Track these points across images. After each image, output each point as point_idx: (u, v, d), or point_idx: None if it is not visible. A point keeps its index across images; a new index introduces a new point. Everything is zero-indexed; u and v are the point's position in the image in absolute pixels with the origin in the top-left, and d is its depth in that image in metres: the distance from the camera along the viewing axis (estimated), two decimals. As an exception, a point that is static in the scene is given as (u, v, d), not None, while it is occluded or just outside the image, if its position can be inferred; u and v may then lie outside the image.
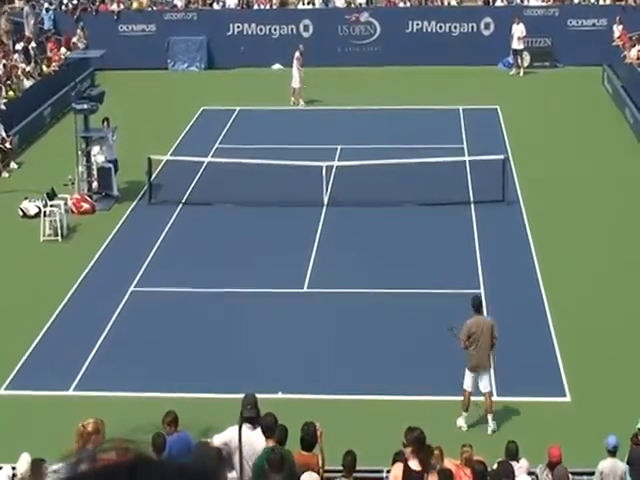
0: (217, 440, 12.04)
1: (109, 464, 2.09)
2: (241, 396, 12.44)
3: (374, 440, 14.75)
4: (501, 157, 25.86)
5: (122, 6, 40.85)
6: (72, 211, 25.33)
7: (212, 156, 28.79)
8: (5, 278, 22.03)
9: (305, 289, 21.10)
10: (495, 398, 16.20)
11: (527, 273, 21.61)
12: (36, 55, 36.39)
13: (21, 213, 25.26)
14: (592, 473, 13.35)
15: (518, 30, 38.32)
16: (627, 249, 22.76)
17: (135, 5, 41.02)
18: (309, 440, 12.01)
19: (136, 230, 24.63)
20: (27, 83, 33.90)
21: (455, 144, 29.73)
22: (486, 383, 15.93)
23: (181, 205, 25.76)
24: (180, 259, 22.60)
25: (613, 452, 13.35)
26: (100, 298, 20.80)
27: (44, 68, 35.90)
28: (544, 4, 40.14)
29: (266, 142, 30.20)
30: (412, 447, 11.20)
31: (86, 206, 25.65)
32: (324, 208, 25.28)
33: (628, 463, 13.42)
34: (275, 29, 40.25)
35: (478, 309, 16.12)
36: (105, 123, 26.69)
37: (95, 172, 26.49)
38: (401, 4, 41.24)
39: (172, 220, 24.88)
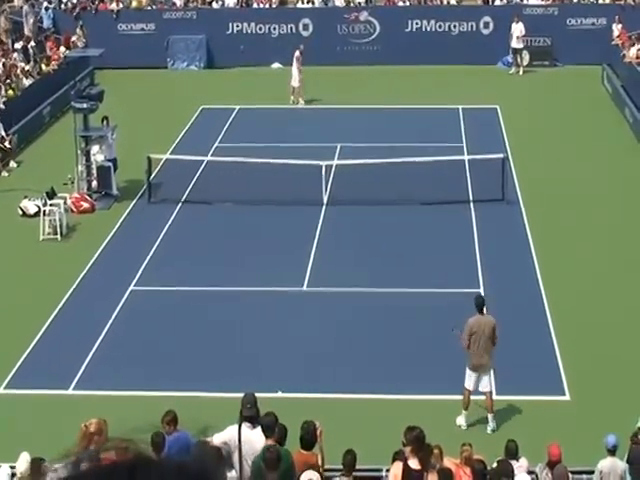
0: (217, 439, 12.04)
1: (108, 464, 2.08)
2: (241, 395, 12.44)
3: (374, 439, 14.74)
4: (501, 156, 25.87)
5: (121, 5, 40.85)
6: (71, 210, 25.32)
7: (212, 155, 28.79)
8: (4, 277, 22.02)
9: (305, 288, 21.09)
10: (495, 397, 16.18)
11: (527, 273, 21.60)
12: (35, 54, 36.37)
13: (20, 212, 25.26)
14: (592, 472, 13.35)
15: (517, 29, 38.33)
16: (627, 249, 22.75)
17: (134, 4, 41.00)
18: (309, 439, 12.00)
19: (136, 229, 24.62)
20: (26, 82, 33.89)
21: (454, 143, 29.73)
22: (486, 382, 15.93)
23: (180, 204, 25.76)
24: (180, 258, 22.59)
25: (613, 451, 13.34)
26: (100, 297, 20.79)
27: (43, 67, 35.88)
28: (543, 3, 40.14)
29: (265, 141, 30.19)
30: (412, 446, 11.20)
31: (85, 205, 25.65)
32: (324, 207, 25.28)
33: (628, 462, 13.42)
34: (274, 28, 40.25)
35: (480, 308, 16.10)
36: (104, 122, 26.68)
37: (94, 171, 26.48)
38: (400, 3, 41.24)
39: (172, 219, 24.87)
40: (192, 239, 23.77)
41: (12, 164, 29.25)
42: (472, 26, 39.78)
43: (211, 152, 29.27)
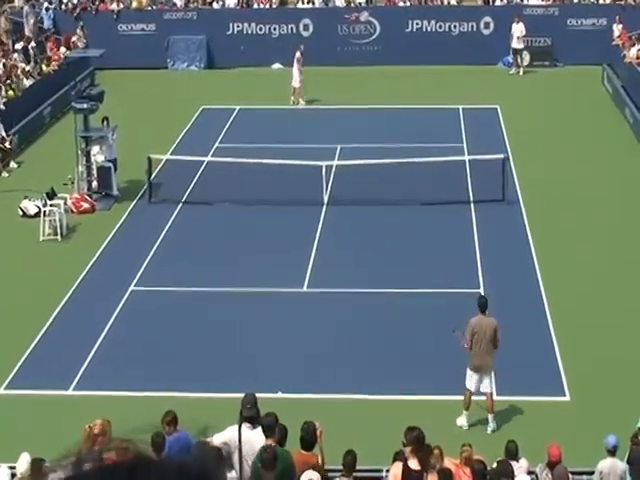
0: (217, 439, 12.04)
1: (108, 464, 2.08)
2: (241, 395, 12.45)
3: (374, 439, 14.75)
4: (501, 156, 25.86)
5: (122, 5, 40.85)
6: (72, 210, 25.33)
7: (212, 155, 28.79)
8: (5, 277, 22.03)
9: (305, 289, 21.09)
10: (495, 398, 16.18)
11: (527, 273, 21.60)
12: (36, 54, 36.37)
13: (21, 212, 25.26)
14: (592, 473, 13.34)
15: (518, 29, 38.33)
16: (627, 249, 22.75)
17: (135, 4, 41.01)
18: (309, 439, 12.01)
19: (136, 229, 24.63)
20: (27, 82, 33.90)
21: (455, 143, 29.73)
22: (487, 383, 15.93)
23: (181, 204, 25.76)
24: (180, 258, 22.59)
25: (613, 452, 13.34)
26: (100, 297, 20.79)
27: (44, 67, 35.89)
28: (544, 3, 40.14)
29: (266, 141, 30.20)
30: (411, 446, 11.21)
31: (86, 205, 25.65)
32: (324, 207, 25.28)
33: (628, 463, 13.41)
34: (275, 28, 40.25)
35: (483, 309, 16.08)
36: (105, 122, 26.68)
37: (95, 171, 26.48)
38: (401, 3, 41.24)
39: (172, 219, 24.87)
40: (192, 239, 23.77)
41: (12, 164, 29.25)
42: (472, 26, 39.79)
43: (211, 152, 29.28)
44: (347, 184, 26.04)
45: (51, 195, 24.94)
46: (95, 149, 26.51)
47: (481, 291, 20.07)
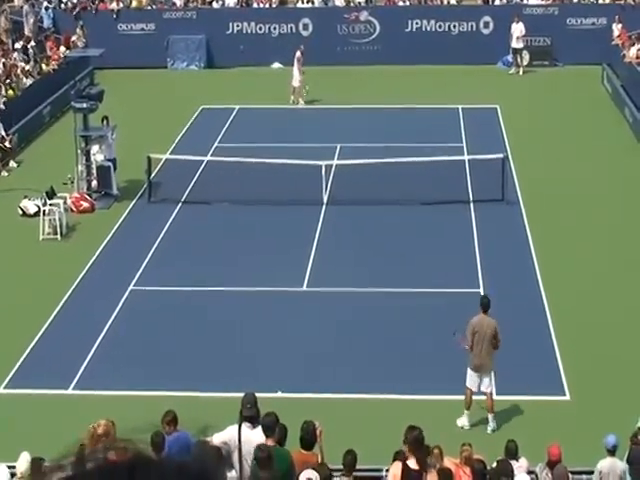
0: (217, 439, 12.03)
1: (108, 464, 2.08)
2: (240, 395, 12.44)
3: (374, 439, 14.74)
4: (500, 156, 25.86)
5: (121, 5, 40.85)
6: (71, 210, 25.32)
7: (211, 155, 28.78)
8: (4, 277, 22.02)
9: (304, 288, 21.09)
10: (495, 397, 16.18)
11: (527, 273, 21.59)
12: (35, 54, 36.37)
13: (20, 212, 25.26)
14: (591, 472, 13.34)
15: (517, 29, 38.33)
16: (627, 249, 22.75)
17: (134, 4, 41.01)
18: (309, 439, 12.00)
19: (135, 229, 24.63)
20: (26, 82, 33.89)
21: (454, 143, 29.73)
22: (487, 383, 15.93)
23: (180, 204, 25.76)
24: (179, 258, 22.59)
25: (612, 451, 13.34)
26: (99, 297, 20.79)
27: (43, 67, 35.88)
28: (543, 3, 40.14)
29: (265, 141, 30.20)
30: (410, 446, 11.21)
31: (85, 205, 25.65)
32: (323, 207, 25.28)
33: (628, 462, 13.41)
34: (274, 28, 40.25)
35: (485, 309, 16.07)
36: (104, 122, 26.68)
37: (94, 171, 26.48)
38: (400, 3, 41.24)
39: (171, 219, 24.87)
40: (192, 239, 23.77)
41: (12, 164, 29.25)
42: (472, 26, 39.79)
43: (211, 152, 29.27)
44: (347, 184, 26.04)
45: (51, 194, 24.94)
46: (95, 148, 26.51)
47: (481, 291, 20.07)
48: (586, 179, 26.96)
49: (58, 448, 2.20)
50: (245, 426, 11.81)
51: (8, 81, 32.82)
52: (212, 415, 14.68)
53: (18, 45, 36.55)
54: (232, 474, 11.86)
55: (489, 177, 25.42)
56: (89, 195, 26.08)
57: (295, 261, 22.20)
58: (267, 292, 20.84)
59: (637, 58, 34.40)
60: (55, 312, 20.22)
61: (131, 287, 21.21)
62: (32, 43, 36.89)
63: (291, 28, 40.16)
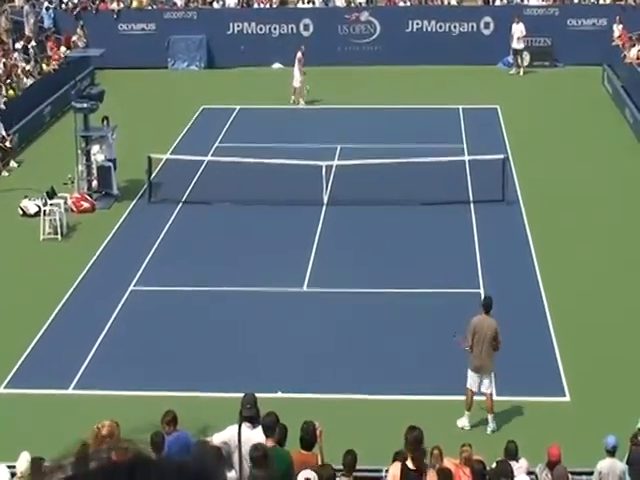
0: (217, 439, 12.03)
1: (108, 464, 2.08)
2: (241, 395, 12.44)
3: (374, 439, 14.75)
4: (501, 157, 25.86)
5: (122, 5, 40.86)
6: (72, 210, 25.33)
7: (212, 155, 28.78)
8: (5, 277, 22.03)
9: (305, 288, 21.09)
10: (495, 398, 16.18)
11: (527, 273, 21.59)
12: (36, 54, 36.37)
13: (21, 212, 25.26)
14: (591, 473, 13.34)
15: (518, 30, 38.33)
16: (627, 249, 22.75)
17: (135, 4, 41.01)
18: (308, 439, 12.00)
19: (136, 229, 24.63)
20: (27, 82, 33.90)
21: (455, 144, 29.72)
22: (488, 384, 15.92)
23: (181, 204, 25.76)
24: (180, 258, 22.59)
25: (612, 452, 13.34)
26: (100, 297, 20.79)
27: (44, 67, 35.89)
28: (544, 4, 40.14)
29: (266, 141, 30.19)
30: (408, 446, 11.22)
31: (86, 205, 25.65)
32: (324, 207, 25.28)
33: (627, 463, 13.41)
34: (275, 28, 40.25)
35: (487, 309, 16.06)
36: (105, 122, 26.69)
37: (95, 171, 26.49)
38: (401, 3, 41.24)
39: (172, 219, 24.87)
40: (192, 239, 23.77)
41: (12, 164, 29.25)
42: (473, 26, 39.79)
43: (211, 152, 29.27)
44: (347, 184, 26.04)
45: (51, 194, 24.94)
46: (95, 148, 26.51)
47: (481, 291, 20.08)
48: (586, 180, 26.96)
49: (58, 448, 2.21)
50: (245, 426, 11.82)
51: (9, 81, 32.83)
52: (212, 415, 14.68)
53: (19, 45, 36.56)
54: (232, 474, 11.86)
55: (489, 177, 25.42)
56: (89, 195, 26.08)
57: (295, 261, 22.20)
58: (267, 292, 20.85)
59: (637, 59, 34.39)
60: (55, 312, 20.22)
61: (131, 287, 21.21)
62: (33, 43, 36.90)
63: (292, 28, 40.17)
